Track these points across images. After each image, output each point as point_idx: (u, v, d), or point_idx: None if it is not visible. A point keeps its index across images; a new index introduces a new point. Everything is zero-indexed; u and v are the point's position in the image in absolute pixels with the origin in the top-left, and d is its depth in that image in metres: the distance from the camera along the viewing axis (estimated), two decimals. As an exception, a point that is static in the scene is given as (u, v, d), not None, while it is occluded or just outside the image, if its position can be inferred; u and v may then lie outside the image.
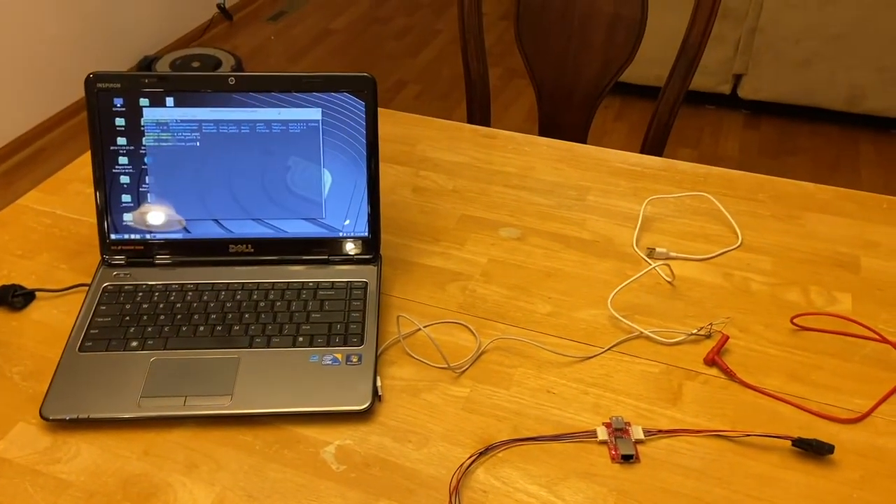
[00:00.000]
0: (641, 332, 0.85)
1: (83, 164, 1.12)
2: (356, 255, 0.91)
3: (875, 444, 0.74)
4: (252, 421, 0.76)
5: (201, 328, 0.83)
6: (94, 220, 1.00)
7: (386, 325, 0.86)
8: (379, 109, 0.93)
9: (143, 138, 0.87)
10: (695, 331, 0.85)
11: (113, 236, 0.89)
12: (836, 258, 0.95)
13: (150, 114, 0.87)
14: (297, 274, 0.89)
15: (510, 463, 0.72)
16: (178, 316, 0.84)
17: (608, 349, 0.84)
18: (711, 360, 0.82)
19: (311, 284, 0.87)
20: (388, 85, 3.05)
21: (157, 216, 0.89)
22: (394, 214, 1.02)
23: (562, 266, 0.94)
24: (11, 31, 2.51)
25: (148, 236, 0.89)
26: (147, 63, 3.01)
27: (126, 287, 0.87)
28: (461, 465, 0.71)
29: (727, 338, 0.83)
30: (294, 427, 0.75)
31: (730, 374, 0.80)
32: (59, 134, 2.74)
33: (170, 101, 0.86)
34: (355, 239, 0.91)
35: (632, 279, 0.92)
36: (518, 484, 0.70)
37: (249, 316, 0.84)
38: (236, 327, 0.83)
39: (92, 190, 1.06)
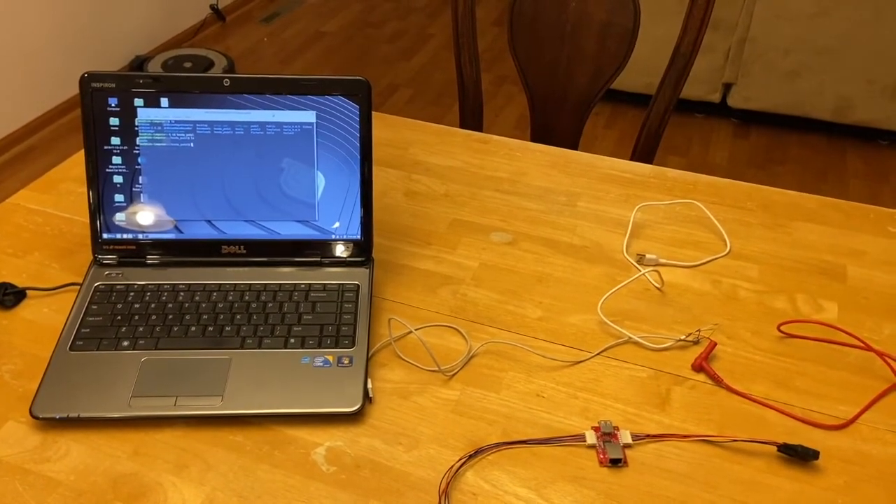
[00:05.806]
0: (630, 338, 0.86)
1: (75, 163, 1.11)
2: (348, 257, 0.91)
3: (860, 450, 0.75)
4: (243, 421, 0.76)
5: (193, 328, 0.83)
6: (85, 219, 1.00)
7: (377, 328, 0.86)
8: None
9: (137, 138, 0.87)
10: (683, 337, 0.86)
11: (105, 235, 0.89)
12: (822, 267, 0.97)
13: (144, 114, 0.87)
14: (289, 276, 0.89)
15: (499, 466, 0.73)
16: (170, 316, 0.84)
17: (597, 354, 0.84)
18: (699, 366, 0.82)
19: (302, 286, 0.88)
20: (380, 89, 3.05)
21: (149, 216, 0.89)
22: (386, 218, 1.03)
23: (552, 271, 0.95)
24: (1, 30, 2.50)
25: (140, 236, 0.90)
26: (139, 63, 3.00)
27: (118, 287, 0.87)
28: (451, 468, 0.72)
29: (715, 344, 0.84)
30: (284, 428, 0.75)
31: (717, 380, 0.81)
32: (49, 133, 2.73)
33: (164, 101, 0.87)
34: (347, 241, 0.91)
35: (621, 285, 0.93)
36: (507, 487, 0.71)
37: (241, 317, 0.84)
38: (228, 328, 0.83)
39: (84, 189, 1.06)
